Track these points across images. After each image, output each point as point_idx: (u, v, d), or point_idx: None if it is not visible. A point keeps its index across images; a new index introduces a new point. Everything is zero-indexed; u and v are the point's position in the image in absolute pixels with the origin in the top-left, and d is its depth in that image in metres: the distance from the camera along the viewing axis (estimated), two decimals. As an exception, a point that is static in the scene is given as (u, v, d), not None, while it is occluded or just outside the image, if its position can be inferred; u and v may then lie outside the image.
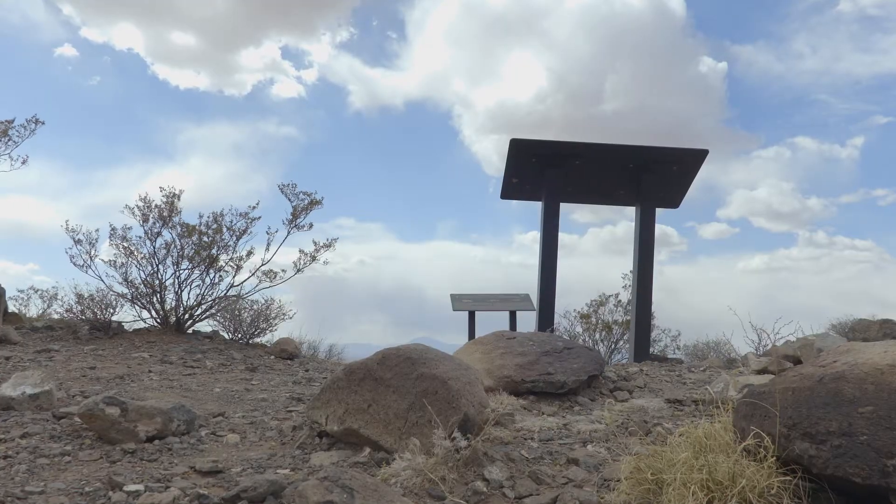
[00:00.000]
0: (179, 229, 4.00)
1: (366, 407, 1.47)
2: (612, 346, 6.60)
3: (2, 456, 1.40)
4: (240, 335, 4.13)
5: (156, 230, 3.98)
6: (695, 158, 4.33)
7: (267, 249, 4.22)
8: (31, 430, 1.58)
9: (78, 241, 3.93)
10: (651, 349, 4.86)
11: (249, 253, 4.14)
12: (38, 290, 6.30)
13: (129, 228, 3.97)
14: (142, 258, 3.93)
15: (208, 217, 4.11)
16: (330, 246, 4.29)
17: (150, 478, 1.28)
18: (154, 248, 3.97)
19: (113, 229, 3.97)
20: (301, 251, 4.29)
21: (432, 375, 1.45)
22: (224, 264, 4.06)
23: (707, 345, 5.99)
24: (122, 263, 3.89)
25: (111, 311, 3.77)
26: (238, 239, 4.12)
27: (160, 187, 4.09)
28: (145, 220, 3.98)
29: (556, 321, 4.82)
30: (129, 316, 3.91)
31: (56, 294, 5.99)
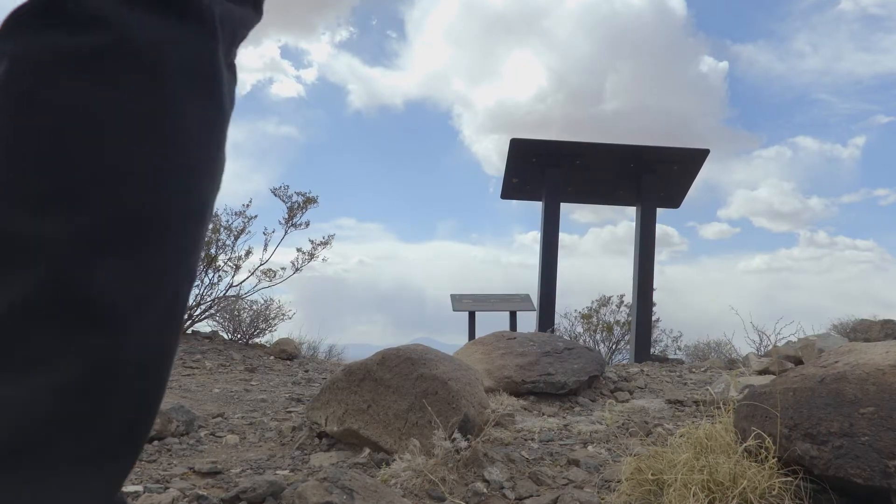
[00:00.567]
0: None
1: (365, 407, 1.46)
2: (613, 346, 6.60)
3: None
4: (239, 335, 4.13)
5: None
6: (696, 158, 4.33)
7: (265, 249, 4.22)
8: (29, 431, 1.57)
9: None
10: (652, 349, 4.86)
11: (248, 252, 4.15)
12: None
13: None
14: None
15: None
16: (327, 243, 4.29)
17: (148, 478, 1.27)
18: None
19: None
20: (299, 250, 4.30)
21: (432, 376, 1.44)
22: (223, 264, 4.06)
23: (708, 345, 5.99)
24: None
25: (110, 311, 3.77)
26: (236, 239, 4.12)
27: None
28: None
29: (556, 321, 4.81)
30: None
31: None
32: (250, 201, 4.22)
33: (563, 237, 4.62)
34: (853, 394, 1.08)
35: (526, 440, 1.59)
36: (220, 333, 4.14)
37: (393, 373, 1.47)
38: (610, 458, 1.45)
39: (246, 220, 4.16)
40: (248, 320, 4.15)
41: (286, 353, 3.63)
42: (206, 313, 4.05)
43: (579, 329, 6.77)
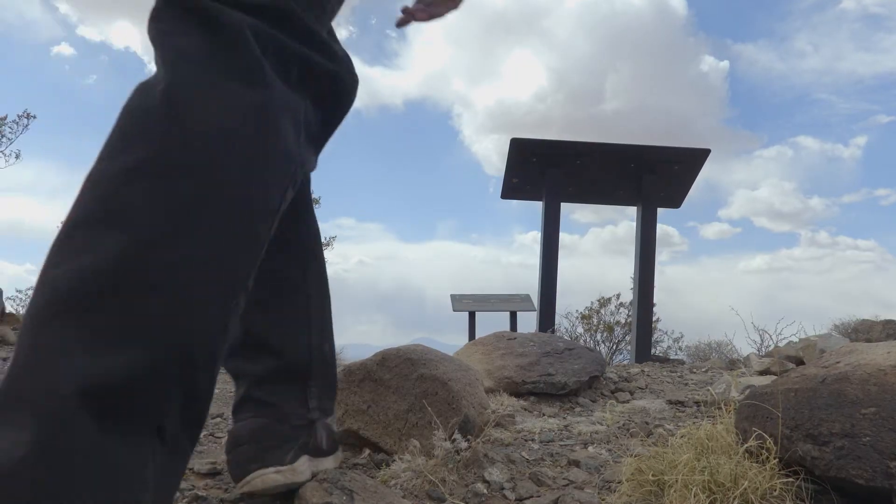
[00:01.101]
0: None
1: (365, 408, 1.46)
2: (614, 346, 6.60)
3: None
4: (239, 336, 4.12)
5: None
6: (696, 158, 4.32)
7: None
8: (27, 432, 1.57)
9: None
10: (653, 350, 4.86)
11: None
12: (36, 291, 6.31)
13: None
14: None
15: None
16: (328, 244, 4.28)
17: (147, 479, 1.26)
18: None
19: None
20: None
21: (432, 376, 1.43)
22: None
23: (709, 345, 5.99)
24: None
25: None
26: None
27: None
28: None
29: (556, 322, 4.81)
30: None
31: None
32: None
33: (564, 237, 4.61)
34: (854, 394, 1.08)
35: (526, 441, 1.59)
36: (220, 334, 4.14)
37: (393, 373, 1.47)
38: (610, 458, 1.45)
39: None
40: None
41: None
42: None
43: (580, 329, 6.77)
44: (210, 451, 1.51)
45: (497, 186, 4.75)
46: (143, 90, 0.72)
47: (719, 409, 1.38)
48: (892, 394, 1.04)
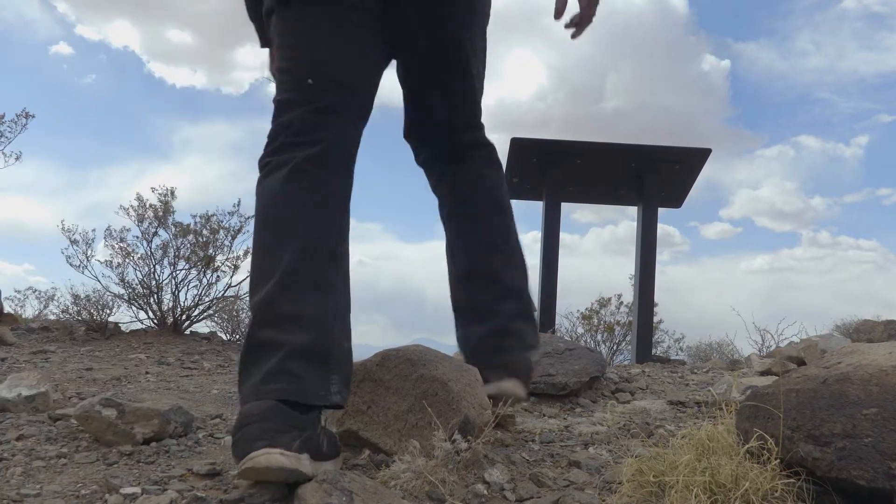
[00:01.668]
0: (175, 229, 3.98)
1: (365, 409, 1.45)
2: (615, 347, 6.59)
3: (-3, 458, 1.39)
4: (238, 336, 4.13)
5: (152, 230, 3.97)
6: (697, 157, 4.31)
7: (265, 249, 4.19)
8: (26, 433, 1.57)
9: (74, 242, 3.91)
10: (654, 350, 4.84)
11: (247, 252, 4.13)
12: (35, 291, 6.31)
13: (127, 230, 3.97)
14: (138, 259, 3.91)
15: (201, 217, 4.09)
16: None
17: (147, 480, 1.26)
18: (150, 248, 3.96)
19: (109, 230, 3.96)
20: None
21: (432, 377, 1.43)
22: (221, 264, 4.05)
23: (710, 346, 5.98)
24: (119, 264, 3.88)
25: (108, 312, 3.76)
26: (234, 238, 4.10)
27: (151, 188, 4.07)
28: (140, 221, 3.97)
29: (557, 322, 4.80)
30: (125, 317, 3.90)
31: (53, 295, 5.99)
32: (239, 201, 4.17)
33: (564, 237, 4.60)
34: (856, 395, 1.07)
35: (526, 441, 1.58)
36: (219, 334, 4.14)
37: (392, 374, 1.46)
38: (611, 459, 1.44)
39: (243, 220, 4.13)
40: (246, 321, 4.14)
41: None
42: (205, 314, 4.04)
43: (580, 330, 6.76)
44: (209, 451, 1.51)
45: (497, 186, 4.74)
46: None
47: (720, 409, 1.38)
48: (894, 394, 1.03)
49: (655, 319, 5.19)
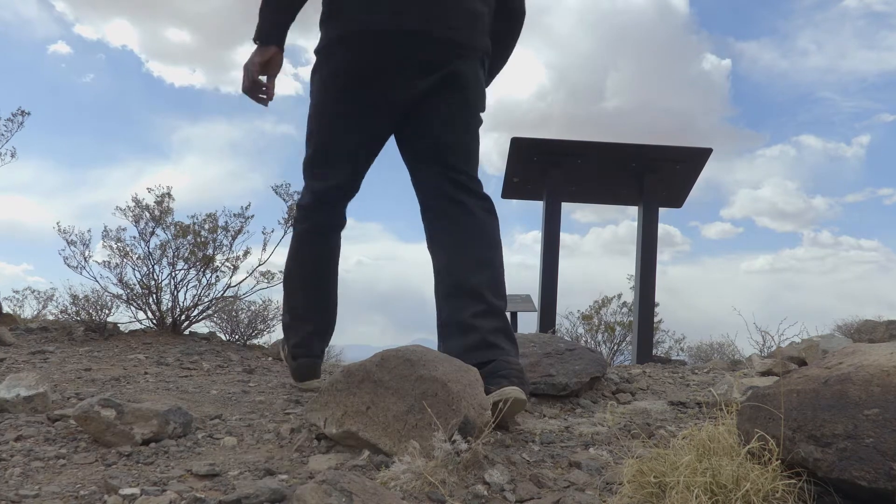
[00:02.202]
0: (174, 229, 3.97)
1: (364, 409, 1.45)
2: (615, 347, 6.59)
3: (-4, 459, 1.38)
4: (237, 336, 4.12)
5: (149, 230, 3.95)
6: (698, 157, 4.30)
7: (264, 249, 4.17)
8: (25, 433, 1.56)
9: (71, 243, 3.89)
10: (654, 351, 4.84)
11: (246, 253, 4.11)
12: (34, 291, 6.30)
13: (123, 230, 3.95)
14: (137, 259, 3.90)
15: (202, 217, 4.07)
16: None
17: (146, 481, 1.26)
18: (148, 248, 3.94)
19: (106, 231, 3.94)
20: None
21: (432, 377, 1.43)
22: (220, 265, 4.04)
23: (711, 346, 5.97)
24: (117, 264, 3.86)
25: (106, 312, 3.75)
26: (234, 238, 4.09)
27: (147, 188, 4.05)
28: (137, 221, 3.95)
29: (557, 322, 4.79)
30: (124, 317, 3.88)
31: (52, 295, 5.98)
32: (249, 204, 4.17)
33: (565, 237, 4.59)
34: (857, 395, 1.07)
35: (527, 442, 1.58)
36: (218, 334, 4.12)
37: (392, 374, 1.46)
38: (612, 460, 1.44)
39: (243, 220, 4.12)
40: (246, 321, 4.13)
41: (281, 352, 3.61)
42: (204, 314, 4.03)
43: (581, 330, 6.75)
44: (208, 452, 1.51)
45: (497, 186, 4.74)
46: None
47: (721, 410, 1.37)
48: (896, 395, 1.03)
49: (655, 319, 5.18)
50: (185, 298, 3.95)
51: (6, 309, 4.48)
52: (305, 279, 2.13)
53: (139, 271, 3.89)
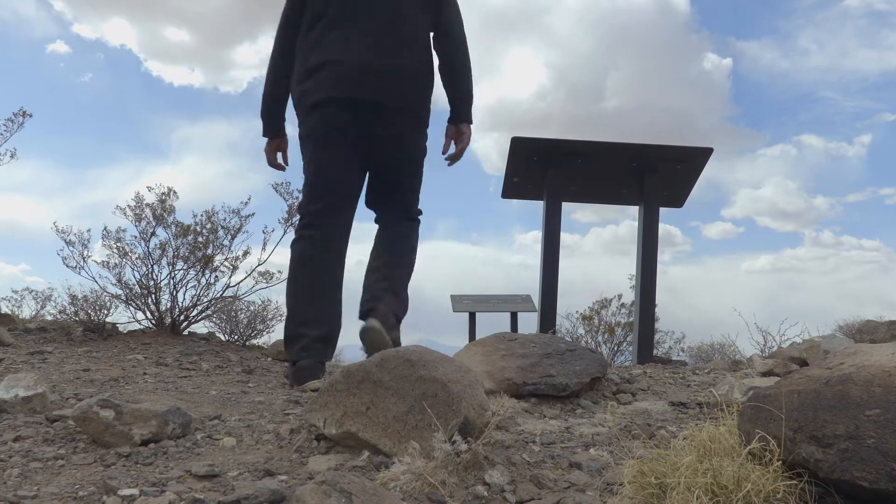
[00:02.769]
0: (175, 229, 3.96)
1: (364, 410, 1.44)
2: (616, 347, 6.58)
3: (-6, 459, 1.38)
4: (236, 337, 4.11)
5: (149, 230, 3.94)
6: (699, 157, 4.29)
7: (263, 249, 4.16)
8: (23, 434, 1.56)
9: (70, 243, 3.88)
10: (655, 351, 4.83)
11: (246, 253, 4.09)
12: (32, 291, 6.29)
13: (123, 230, 3.93)
14: (136, 259, 3.89)
15: (202, 216, 4.05)
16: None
17: (144, 482, 1.26)
18: (148, 248, 3.93)
19: (106, 231, 3.93)
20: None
21: (432, 378, 1.42)
22: (219, 265, 4.02)
23: (711, 346, 5.97)
24: (116, 264, 3.85)
25: (105, 312, 3.73)
26: (233, 238, 4.07)
27: (148, 187, 4.03)
28: (138, 221, 3.94)
29: (557, 322, 4.79)
30: (123, 317, 3.87)
31: (51, 295, 5.97)
32: (249, 198, 4.14)
33: (565, 237, 4.58)
34: (859, 396, 1.06)
35: (527, 443, 1.57)
36: (217, 335, 4.12)
37: (392, 374, 1.45)
38: (612, 460, 1.43)
39: (242, 219, 4.11)
40: (245, 321, 4.12)
41: (284, 354, 3.60)
42: (203, 314, 4.02)
43: (581, 330, 6.75)
44: (208, 453, 1.50)
45: (497, 185, 4.73)
46: None
47: (722, 410, 1.37)
48: (898, 395, 1.03)
49: (655, 319, 5.17)
50: (184, 298, 3.95)
51: (4, 309, 4.48)
52: (310, 284, 2.50)
53: (138, 271, 3.89)
